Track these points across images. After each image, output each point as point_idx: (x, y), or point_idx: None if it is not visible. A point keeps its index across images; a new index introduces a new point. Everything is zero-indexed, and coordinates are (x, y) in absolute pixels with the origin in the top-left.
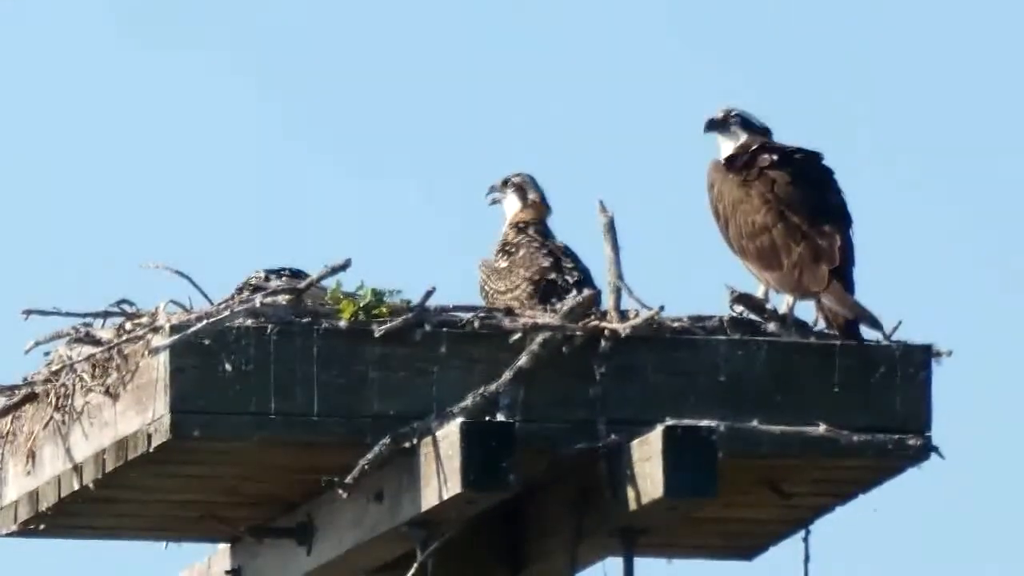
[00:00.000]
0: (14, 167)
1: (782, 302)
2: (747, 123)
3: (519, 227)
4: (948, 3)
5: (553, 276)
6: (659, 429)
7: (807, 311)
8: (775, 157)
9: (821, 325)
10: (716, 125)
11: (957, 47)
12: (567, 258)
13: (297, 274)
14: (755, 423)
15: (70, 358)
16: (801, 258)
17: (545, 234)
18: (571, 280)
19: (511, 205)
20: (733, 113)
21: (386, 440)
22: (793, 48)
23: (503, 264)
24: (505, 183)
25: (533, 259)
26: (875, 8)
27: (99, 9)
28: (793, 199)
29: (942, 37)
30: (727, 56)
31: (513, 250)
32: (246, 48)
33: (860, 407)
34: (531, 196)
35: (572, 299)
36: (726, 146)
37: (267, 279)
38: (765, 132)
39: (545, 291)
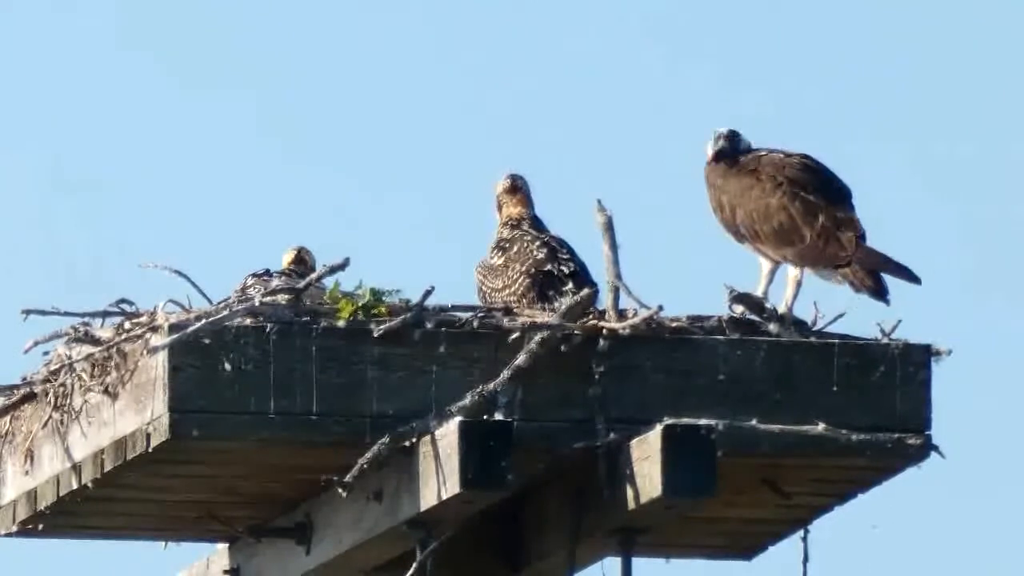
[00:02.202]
0: (14, 167)
1: (781, 301)
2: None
3: (511, 224)
4: (948, 3)
5: (549, 267)
6: (658, 428)
7: (806, 311)
8: (781, 155)
9: (820, 323)
10: (727, 152)
11: (959, 47)
12: (562, 249)
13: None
14: (754, 422)
15: (69, 357)
16: (825, 228)
17: (539, 228)
18: (567, 271)
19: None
20: (729, 134)
21: (385, 440)
22: (792, 45)
23: (498, 261)
24: None
25: (528, 252)
26: (877, 6)
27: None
28: (805, 181)
29: (943, 36)
30: (726, 56)
31: (507, 246)
32: (250, 57)
33: (859, 406)
34: (498, 189)
35: (570, 298)
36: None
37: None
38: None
39: (542, 284)
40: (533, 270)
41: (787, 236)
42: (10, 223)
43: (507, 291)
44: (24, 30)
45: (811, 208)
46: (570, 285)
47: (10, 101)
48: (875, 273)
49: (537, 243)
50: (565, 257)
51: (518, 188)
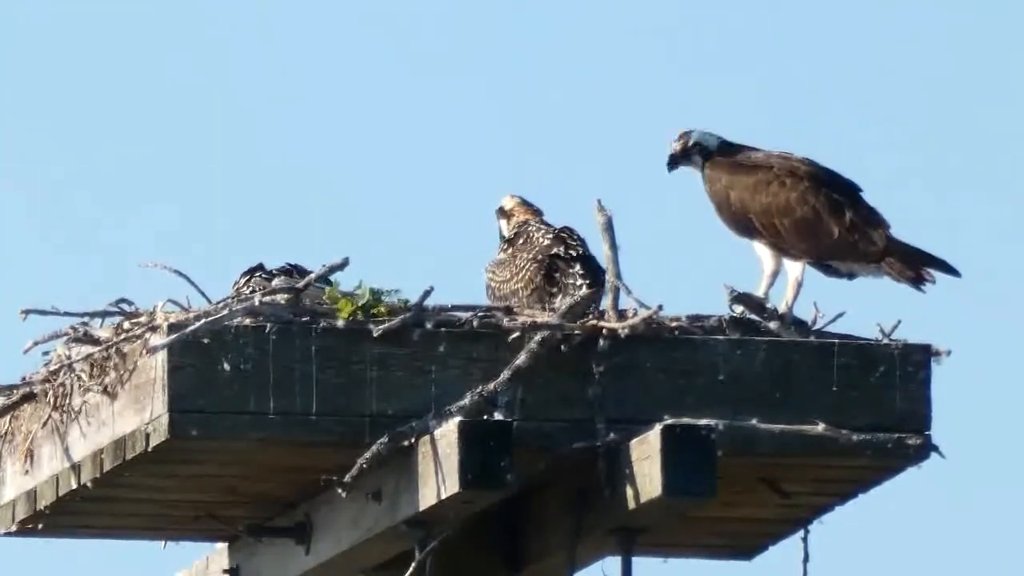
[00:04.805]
0: (14, 166)
1: (782, 301)
2: (704, 147)
3: (518, 225)
4: (942, 7)
5: (556, 251)
6: (658, 428)
7: (806, 310)
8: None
9: (820, 323)
10: (678, 160)
11: (959, 44)
12: (572, 236)
13: (271, 276)
14: (754, 422)
15: (68, 357)
16: (854, 223)
17: (547, 224)
18: (575, 254)
19: (504, 228)
20: (691, 142)
21: (384, 439)
22: (790, 47)
23: (504, 255)
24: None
25: (535, 241)
26: (876, 9)
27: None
28: (820, 176)
29: (942, 34)
30: (726, 56)
31: (515, 239)
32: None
33: (859, 406)
34: (507, 206)
35: (570, 298)
36: (696, 172)
37: (270, 279)
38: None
39: (548, 267)
40: (540, 256)
41: (812, 230)
42: (10, 222)
43: (514, 280)
44: (19, 27)
45: (836, 203)
46: (577, 267)
47: (11, 99)
48: (915, 263)
49: (542, 231)
50: (574, 243)
51: (528, 203)
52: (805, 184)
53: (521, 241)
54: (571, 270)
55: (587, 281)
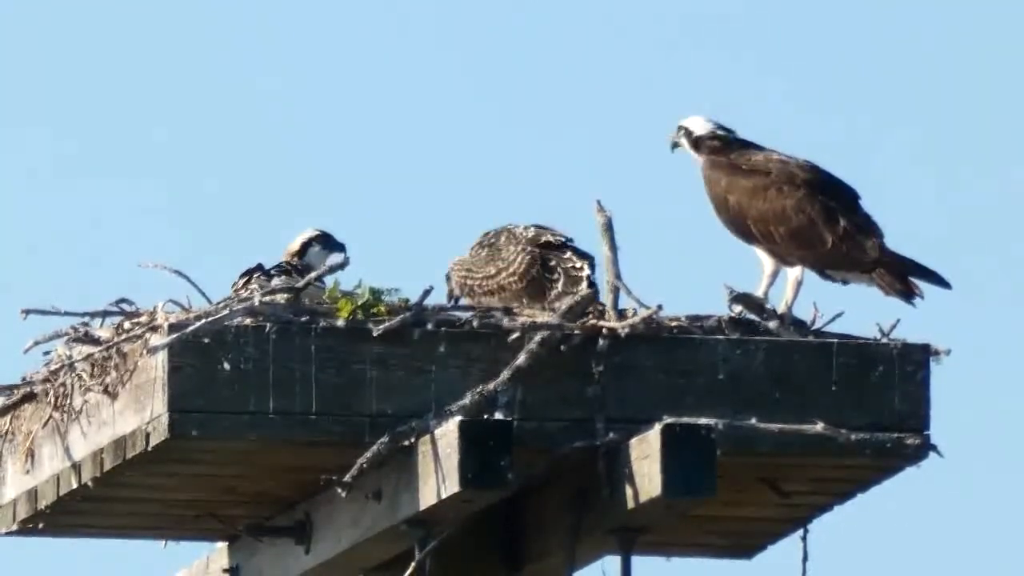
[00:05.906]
0: (13, 166)
1: (781, 301)
2: (688, 130)
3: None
4: (951, 6)
5: (544, 239)
6: (657, 428)
7: (805, 310)
8: (789, 158)
9: (819, 323)
10: (678, 144)
11: (971, 52)
12: (552, 228)
13: (270, 276)
14: (753, 422)
15: (69, 357)
16: (847, 232)
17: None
18: (563, 239)
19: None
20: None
21: (384, 439)
22: (793, 45)
23: (483, 252)
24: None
25: (518, 236)
26: (873, 10)
27: None
28: (820, 184)
29: (954, 41)
30: (727, 55)
31: (493, 241)
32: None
33: (858, 406)
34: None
35: (570, 298)
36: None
37: (269, 279)
38: (726, 131)
39: (543, 257)
40: (529, 247)
41: (806, 239)
42: (10, 222)
43: (503, 274)
44: (31, 17)
45: (831, 211)
46: (569, 254)
47: (8, 97)
48: (905, 277)
49: (522, 226)
50: (557, 232)
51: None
52: (801, 192)
53: (502, 239)
54: (564, 255)
55: (586, 262)
